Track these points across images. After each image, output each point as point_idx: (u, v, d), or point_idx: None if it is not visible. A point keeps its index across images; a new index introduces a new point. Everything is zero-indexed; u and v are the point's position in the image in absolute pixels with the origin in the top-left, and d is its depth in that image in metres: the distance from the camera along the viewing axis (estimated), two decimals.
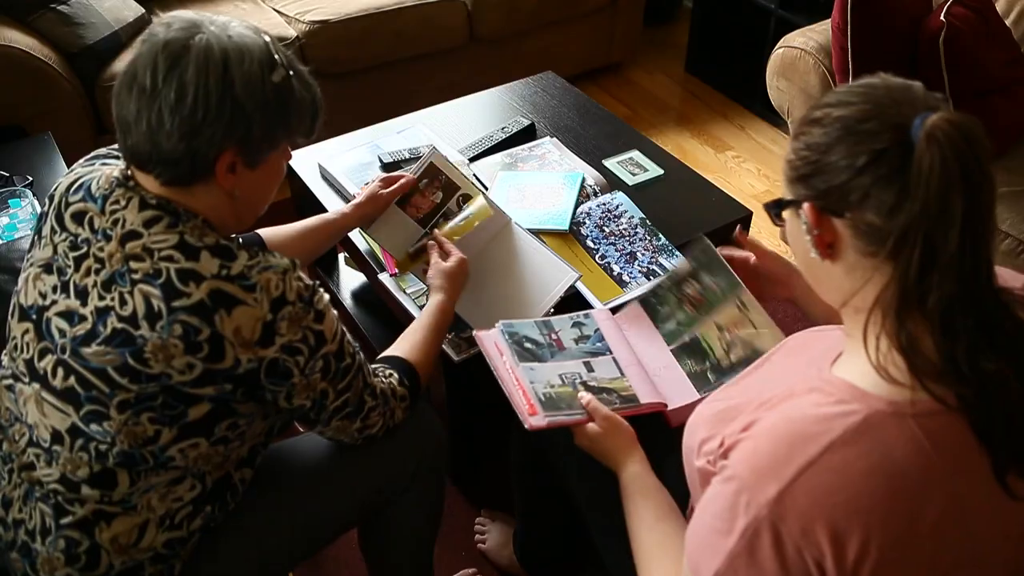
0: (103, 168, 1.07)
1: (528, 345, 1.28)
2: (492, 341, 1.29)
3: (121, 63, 2.42)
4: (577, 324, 1.36)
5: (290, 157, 1.12)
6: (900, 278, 0.77)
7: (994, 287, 0.79)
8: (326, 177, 1.88)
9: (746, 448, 0.84)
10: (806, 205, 0.82)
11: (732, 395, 1.00)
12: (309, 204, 1.85)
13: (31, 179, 1.84)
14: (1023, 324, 0.80)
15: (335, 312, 1.10)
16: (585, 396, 1.19)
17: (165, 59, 0.95)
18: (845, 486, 0.77)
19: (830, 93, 0.84)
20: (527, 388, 1.20)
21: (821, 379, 0.86)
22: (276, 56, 1.01)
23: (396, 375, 1.24)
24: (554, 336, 1.32)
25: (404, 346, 1.32)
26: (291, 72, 1.02)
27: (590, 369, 1.28)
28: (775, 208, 0.89)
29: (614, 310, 1.44)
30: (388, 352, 1.31)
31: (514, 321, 1.32)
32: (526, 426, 1.16)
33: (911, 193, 0.75)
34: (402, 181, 1.57)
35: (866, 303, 0.81)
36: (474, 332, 1.31)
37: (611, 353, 1.31)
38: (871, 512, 0.77)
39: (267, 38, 1.02)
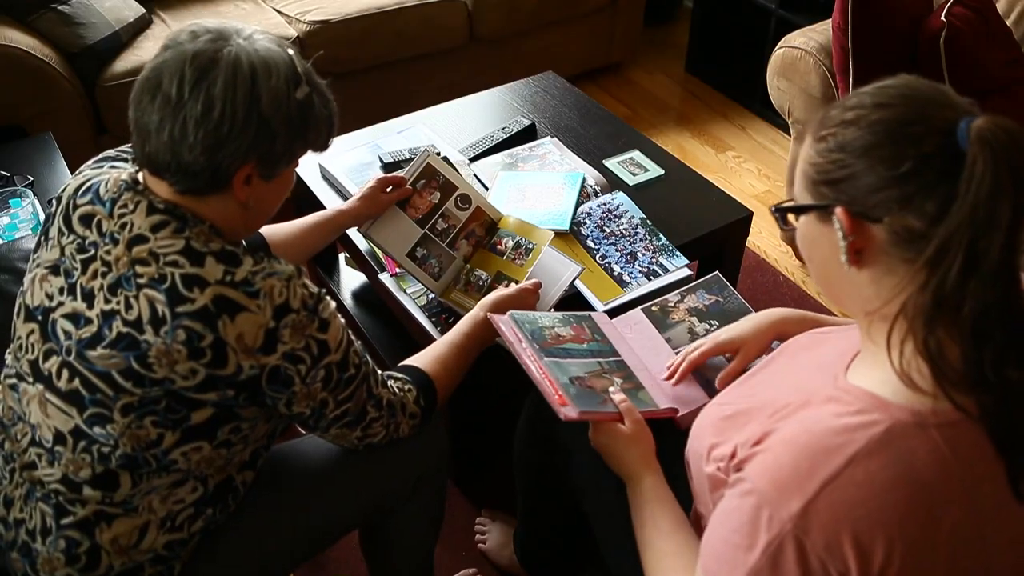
0: (112, 171, 1.07)
1: (538, 339, 1.27)
2: (509, 327, 1.26)
3: (122, 63, 2.42)
4: (582, 320, 1.35)
5: (297, 164, 1.12)
6: (937, 285, 0.75)
7: (1021, 299, 0.78)
8: (326, 177, 1.88)
9: (765, 461, 0.83)
10: (839, 210, 0.79)
11: (739, 400, 0.99)
12: (310, 204, 1.85)
13: (32, 179, 1.84)
14: None
15: (342, 320, 1.09)
16: (619, 395, 1.17)
17: (193, 71, 0.95)
18: (869, 498, 0.76)
19: (858, 94, 0.81)
20: (553, 379, 1.17)
21: (838, 387, 0.85)
22: (300, 71, 1.02)
23: (415, 392, 1.22)
24: (563, 333, 1.30)
25: (429, 358, 1.28)
26: (311, 88, 1.03)
27: (603, 368, 1.26)
28: (792, 212, 0.86)
29: (611, 315, 1.43)
30: (412, 361, 1.28)
31: (521, 313, 1.30)
32: (560, 416, 1.13)
33: (960, 198, 0.73)
34: (404, 188, 1.57)
35: (891, 310, 0.80)
36: (489, 315, 1.29)
37: (619, 356, 1.31)
38: (895, 523, 0.76)
39: (291, 52, 1.02)
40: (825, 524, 0.77)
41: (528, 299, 1.42)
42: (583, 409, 1.13)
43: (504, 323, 1.27)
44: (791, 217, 0.87)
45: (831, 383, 0.87)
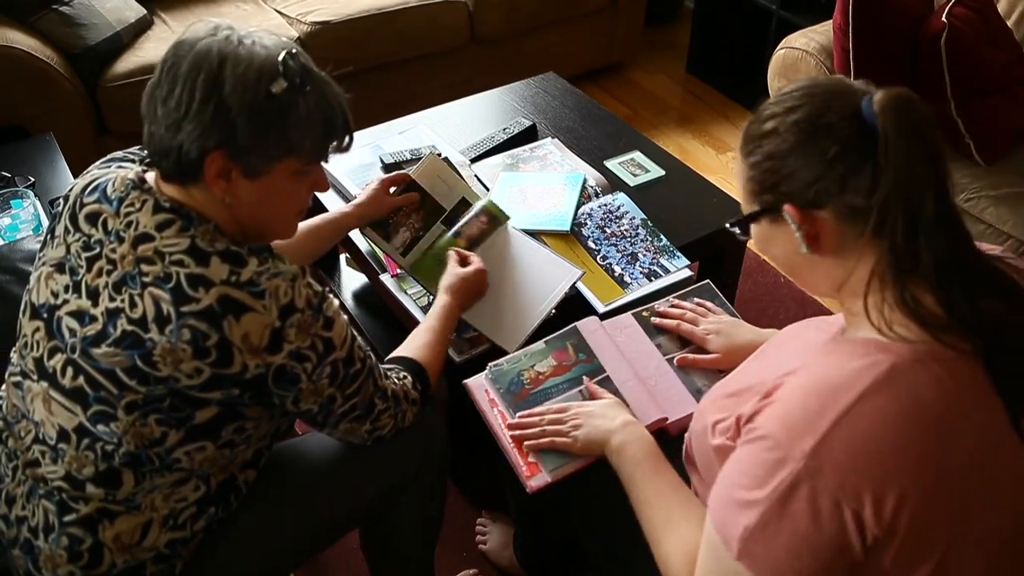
0: (119, 171, 1.08)
1: (515, 388, 1.28)
2: (482, 390, 1.29)
3: (123, 64, 2.42)
4: (566, 339, 1.35)
5: (313, 187, 1.10)
6: (890, 248, 0.83)
7: (971, 241, 0.85)
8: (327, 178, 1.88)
9: (775, 409, 0.85)
10: (787, 207, 0.87)
11: (738, 380, 1.01)
12: (311, 205, 1.85)
13: (33, 180, 1.84)
14: (1003, 272, 0.86)
15: (345, 317, 1.10)
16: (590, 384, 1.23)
17: (172, 54, 0.98)
18: (881, 434, 0.78)
19: (768, 106, 0.89)
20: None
21: (835, 343, 0.90)
22: (289, 67, 0.97)
23: (410, 378, 1.25)
24: (543, 369, 1.31)
25: (413, 347, 1.32)
26: (305, 87, 0.99)
27: (585, 398, 1.27)
28: (745, 223, 0.93)
29: (603, 317, 1.43)
30: (398, 353, 1.31)
31: (502, 361, 1.31)
32: (527, 490, 1.16)
33: (883, 167, 0.80)
34: (409, 195, 1.58)
35: (862, 282, 0.86)
36: (464, 382, 1.31)
37: (604, 372, 1.31)
38: (907, 457, 0.78)
39: (284, 52, 0.98)
40: (838, 461, 0.78)
41: (480, 277, 1.46)
42: (553, 468, 1.17)
43: (476, 389, 1.30)
44: (754, 225, 0.94)
45: (829, 343, 0.91)
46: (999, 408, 0.83)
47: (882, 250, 0.84)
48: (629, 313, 1.42)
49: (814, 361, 0.87)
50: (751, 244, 2.45)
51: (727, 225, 0.96)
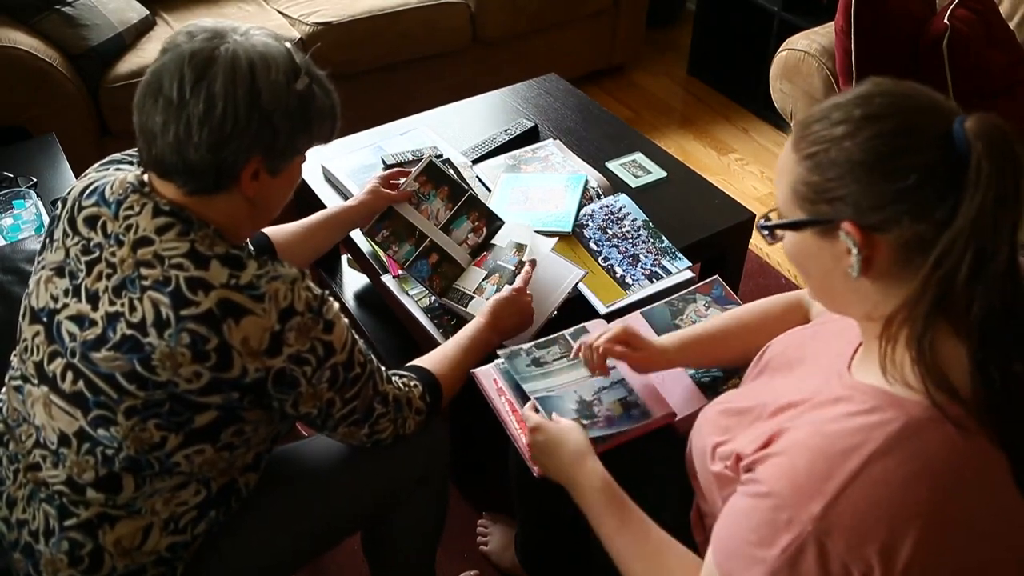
0: (117, 173, 1.07)
1: (530, 371, 1.28)
2: (491, 379, 1.29)
3: (125, 65, 2.43)
4: (575, 337, 1.35)
5: (305, 159, 1.13)
6: (944, 288, 0.75)
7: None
8: (329, 179, 1.89)
9: (781, 464, 0.82)
10: (848, 224, 0.78)
11: (738, 398, 1.00)
12: (312, 206, 1.85)
13: (35, 180, 1.84)
14: None
15: (346, 321, 1.10)
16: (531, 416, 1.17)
17: (192, 70, 0.96)
18: (890, 497, 0.76)
19: (840, 105, 0.80)
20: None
21: (844, 386, 0.85)
22: (303, 60, 1.02)
23: (420, 388, 1.23)
24: (553, 357, 1.31)
25: (435, 359, 1.30)
26: (311, 79, 1.03)
27: (597, 389, 1.27)
28: (784, 229, 0.84)
29: (609, 318, 1.43)
30: (417, 362, 1.30)
31: (513, 348, 1.32)
32: (533, 473, 1.16)
33: (967, 201, 0.73)
34: (403, 191, 1.58)
35: (893, 311, 0.80)
36: (472, 371, 1.32)
37: (614, 366, 1.31)
38: (916, 519, 0.76)
39: (288, 45, 1.02)
40: (847, 525, 0.77)
41: (522, 301, 1.42)
42: None
43: (484, 377, 1.29)
44: (779, 231, 0.86)
45: (836, 381, 0.87)
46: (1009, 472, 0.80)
47: (926, 286, 0.76)
48: (638, 312, 1.42)
49: (820, 408, 0.84)
50: (754, 246, 2.44)
51: (758, 224, 0.86)
